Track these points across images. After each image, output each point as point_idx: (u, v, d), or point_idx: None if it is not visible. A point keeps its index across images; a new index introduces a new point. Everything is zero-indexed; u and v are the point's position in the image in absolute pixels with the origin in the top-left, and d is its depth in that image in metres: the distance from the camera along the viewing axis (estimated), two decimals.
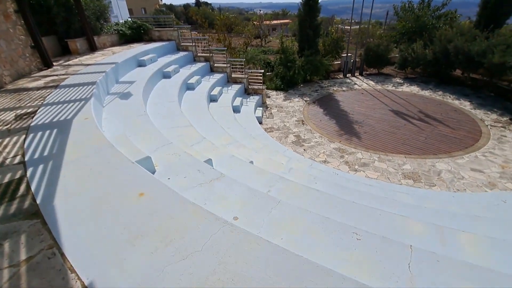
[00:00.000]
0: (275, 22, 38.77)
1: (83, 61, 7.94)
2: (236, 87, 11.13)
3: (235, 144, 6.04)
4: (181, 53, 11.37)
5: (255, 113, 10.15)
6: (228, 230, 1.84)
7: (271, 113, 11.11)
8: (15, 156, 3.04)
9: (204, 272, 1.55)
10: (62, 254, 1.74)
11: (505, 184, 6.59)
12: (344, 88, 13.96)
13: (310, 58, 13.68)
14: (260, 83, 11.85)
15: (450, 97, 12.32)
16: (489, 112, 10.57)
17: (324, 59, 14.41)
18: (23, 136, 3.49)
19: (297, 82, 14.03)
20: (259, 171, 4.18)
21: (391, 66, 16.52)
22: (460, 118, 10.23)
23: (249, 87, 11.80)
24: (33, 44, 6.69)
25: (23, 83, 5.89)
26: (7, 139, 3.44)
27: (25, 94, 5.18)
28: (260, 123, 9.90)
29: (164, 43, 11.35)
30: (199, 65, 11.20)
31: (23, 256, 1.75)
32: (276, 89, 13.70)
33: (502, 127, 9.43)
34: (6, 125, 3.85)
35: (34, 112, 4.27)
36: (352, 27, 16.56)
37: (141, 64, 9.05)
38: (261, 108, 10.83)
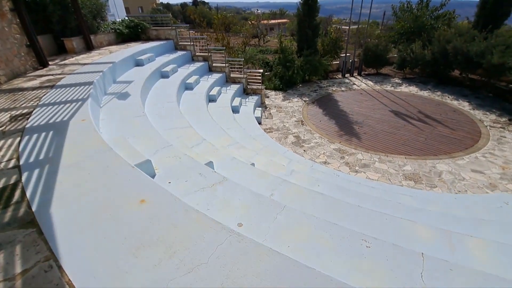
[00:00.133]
0: (272, 21, 38.71)
1: (79, 60, 7.79)
2: (235, 87, 11.03)
3: (236, 145, 5.95)
4: (179, 53, 11.24)
5: (254, 113, 10.06)
6: (235, 240, 1.75)
7: (270, 113, 11.03)
8: (9, 159, 2.92)
9: (212, 287, 1.46)
10: (60, 267, 1.64)
11: (506, 186, 6.58)
12: (343, 88, 13.92)
13: (309, 58, 13.62)
14: (259, 83, 11.77)
15: (449, 97, 12.34)
16: (488, 113, 10.59)
17: (323, 59, 14.36)
18: (18, 139, 3.38)
19: (296, 82, 13.97)
20: (261, 173, 4.10)
21: (390, 66, 16.53)
22: (459, 118, 10.23)
23: (248, 87, 11.71)
24: (28, 43, 6.54)
25: (18, 83, 5.74)
26: (1, 142, 3.31)
27: (20, 94, 5.04)
28: (260, 123, 9.82)
29: (162, 42, 11.21)
30: (198, 64, 11.08)
31: (18, 269, 1.65)
32: (275, 89, 13.62)
33: (501, 127, 9.44)
34: (0, 127, 3.72)
35: (30, 113, 4.15)
36: (347, 27, 16.53)
37: (138, 64, 8.91)
38: (260, 108, 10.75)
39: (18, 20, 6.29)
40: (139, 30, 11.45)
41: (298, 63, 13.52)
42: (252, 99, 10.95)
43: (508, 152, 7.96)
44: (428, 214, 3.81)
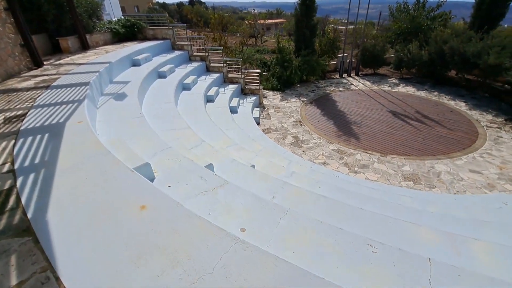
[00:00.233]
0: (269, 21, 38.64)
1: (75, 60, 7.66)
2: (232, 87, 10.96)
3: (235, 146, 5.89)
4: (177, 52, 11.13)
5: (252, 113, 10.00)
6: (240, 248, 1.69)
7: (268, 114, 10.98)
8: (3, 163, 2.83)
9: None
10: (57, 279, 1.57)
11: (504, 186, 6.61)
12: (340, 88, 13.92)
13: (307, 58, 13.60)
14: (257, 83, 11.71)
15: (445, 97, 12.40)
16: (484, 113, 10.66)
17: (321, 59, 14.35)
18: (12, 142, 3.28)
19: (294, 82, 13.94)
20: (262, 176, 4.04)
21: (387, 66, 16.57)
22: (456, 118, 10.28)
23: (246, 87, 11.64)
24: (22, 43, 6.40)
25: (12, 83, 5.61)
26: None
27: (14, 95, 4.92)
28: (258, 124, 9.77)
29: (158, 42, 11.09)
30: (195, 64, 10.98)
31: (14, 280, 1.57)
32: (273, 89, 13.57)
33: (497, 128, 9.50)
34: None
35: (24, 115, 4.04)
36: (344, 28, 16.56)
37: (135, 64, 8.80)
38: (258, 109, 10.69)
39: (12, 19, 6.15)
40: (136, 30, 11.32)
41: (296, 63, 13.49)
42: (250, 100, 10.89)
43: (505, 152, 8.01)
44: (429, 216, 3.79)
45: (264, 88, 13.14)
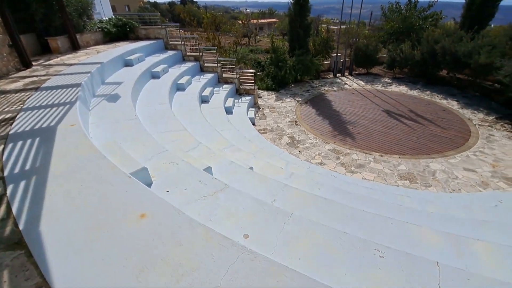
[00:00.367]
0: (262, 21, 38.58)
1: (65, 60, 7.44)
2: (227, 88, 10.86)
3: (232, 148, 5.81)
4: (170, 52, 10.96)
5: (247, 114, 9.92)
6: (248, 258, 1.62)
7: (264, 114, 10.92)
8: None
9: None
10: None
11: (497, 183, 6.71)
12: (335, 88, 13.96)
13: (301, 58, 13.58)
14: (252, 83, 11.63)
15: (438, 96, 12.56)
16: (476, 112, 10.83)
17: (315, 59, 14.36)
18: (1, 147, 3.12)
19: (288, 82, 13.92)
20: (261, 178, 3.98)
21: (380, 66, 16.71)
22: (449, 117, 10.41)
23: (241, 87, 11.55)
24: (10, 43, 6.17)
25: (0, 85, 5.40)
26: None
27: (3, 97, 4.72)
28: (253, 124, 9.69)
29: (151, 41, 10.90)
30: (189, 64, 10.83)
31: None
32: (267, 89, 13.52)
33: (489, 126, 9.66)
34: None
35: (13, 118, 3.87)
36: (336, 27, 16.63)
37: (128, 64, 8.61)
38: (253, 109, 10.62)
39: (0, 19, 5.92)
40: (128, 29, 11.10)
41: (291, 63, 13.46)
42: (245, 100, 10.80)
43: (497, 150, 8.14)
44: (429, 216, 3.79)
45: (259, 88, 13.07)
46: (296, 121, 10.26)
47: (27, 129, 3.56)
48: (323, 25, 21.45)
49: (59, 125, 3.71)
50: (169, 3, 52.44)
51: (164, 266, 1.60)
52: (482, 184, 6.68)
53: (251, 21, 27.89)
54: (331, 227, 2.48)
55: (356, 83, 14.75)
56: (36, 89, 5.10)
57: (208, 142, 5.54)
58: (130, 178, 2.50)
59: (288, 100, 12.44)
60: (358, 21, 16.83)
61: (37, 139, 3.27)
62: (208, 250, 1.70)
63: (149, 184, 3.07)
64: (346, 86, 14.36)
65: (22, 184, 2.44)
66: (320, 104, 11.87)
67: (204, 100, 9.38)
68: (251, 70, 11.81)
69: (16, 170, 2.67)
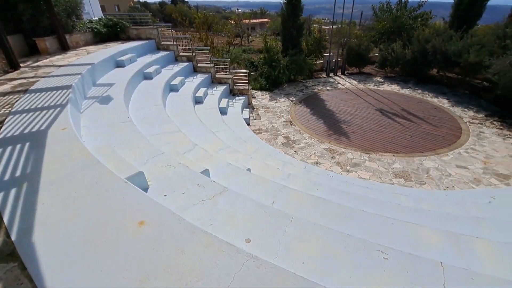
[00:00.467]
0: (254, 21, 38.55)
1: (54, 62, 7.24)
2: (221, 88, 10.78)
3: (228, 149, 5.75)
4: (162, 53, 10.81)
5: (242, 114, 9.87)
6: (253, 265, 1.58)
7: (258, 114, 10.88)
8: None
9: None
10: None
11: (489, 180, 6.83)
12: (328, 88, 14.03)
13: (295, 58, 13.60)
14: (246, 83, 11.57)
15: (429, 95, 12.76)
16: (466, 110, 11.03)
17: (308, 59, 14.40)
18: None
19: (282, 82, 13.91)
20: (259, 180, 3.94)
21: (372, 65, 16.88)
22: (440, 115, 10.58)
23: (235, 87, 11.49)
24: None
25: None
26: None
27: None
28: (248, 124, 9.64)
29: (143, 42, 10.72)
30: (182, 65, 10.71)
31: None
32: (261, 89, 13.48)
33: (479, 123, 9.85)
34: None
35: (1, 122, 3.72)
36: (328, 27, 16.71)
37: (119, 65, 8.45)
38: (247, 109, 10.56)
39: None
40: (118, 29, 10.89)
41: (284, 62, 13.46)
42: (239, 100, 10.74)
43: (488, 147, 8.31)
44: (427, 215, 3.81)
45: (252, 88, 13.02)
46: (290, 121, 10.25)
47: (17, 133, 3.43)
48: (314, 25, 21.55)
49: (50, 129, 3.59)
50: (159, 3, 51.85)
51: (166, 276, 1.54)
52: (475, 180, 6.80)
53: (243, 21, 27.83)
54: (333, 229, 2.45)
55: (349, 83, 14.86)
56: (25, 91, 4.93)
57: (203, 143, 5.47)
58: (127, 184, 2.43)
59: (282, 100, 12.43)
60: (350, 20, 16.95)
61: (27, 144, 3.15)
62: (212, 257, 1.65)
63: (145, 189, 2.99)
64: (339, 85, 14.44)
65: (13, 192, 2.34)
66: (314, 104, 11.91)
67: (198, 101, 9.28)
68: (244, 70, 11.75)
69: (6, 177, 2.56)
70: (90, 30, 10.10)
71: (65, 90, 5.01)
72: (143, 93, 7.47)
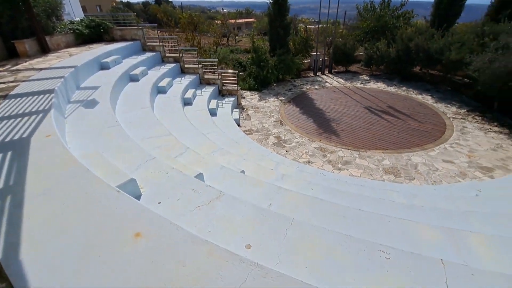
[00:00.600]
0: (239, 21, 38.38)
1: (34, 65, 6.91)
2: (210, 89, 10.65)
3: (220, 151, 5.66)
4: (148, 54, 10.56)
5: (232, 115, 9.78)
6: (259, 274, 1.53)
7: (248, 114, 10.82)
8: None
9: None
10: None
11: (474, 173, 7.06)
12: (316, 87, 14.14)
13: (283, 58, 13.62)
14: (234, 83, 11.50)
15: (413, 92, 13.09)
16: (449, 105, 11.38)
17: (295, 58, 14.46)
18: None
19: (271, 82, 13.92)
20: (254, 182, 3.88)
21: (357, 64, 17.16)
22: (425, 112, 10.87)
23: (223, 88, 11.38)
24: None
25: None
26: None
27: None
28: (239, 125, 9.57)
29: (128, 43, 10.43)
30: (169, 66, 10.51)
31: None
32: (250, 89, 13.43)
33: (462, 118, 10.18)
34: None
35: None
36: (313, 27, 16.85)
37: (104, 67, 8.18)
38: (237, 110, 10.49)
39: None
40: (102, 30, 10.55)
41: (272, 62, 13.46)
42: (229, 101, 10.65)
43: (471, 142, 8.59)
44: (420, 211, 3.87)
45: (241, 89, 12.96)
46: (281, 121, 10.26)
47: None
48: (300, 25, 21.69)
49: (33, 136, 3.40)
50: (143, 3, 50.74)
51: None
52: (461, 174, 7.01)
53: (229, 21, 27.64)
54: (333, 230, 2.44)
55: (336, 81, 15.03)
56: (4, 97, 4.67)
57: (195, 146, 5.36)
58: (119, 193, 2.32)
59: (272, 99, 12.42)
60: (336, 20, 17.15)
61: (9, 153, 2.96)
62: (215, 268, 1.58)
63: (138, 197, 2.88)
64: (327, 84, 14.59)
65: None
66: (303, 103, 11.97)
67: (187, 102, 9.12)
68: (232, 71, 11.66)
69: None
70: (71, 31, 9.73)
71: (47, 95, 4.78)
72: (130, 96, 7.26)
